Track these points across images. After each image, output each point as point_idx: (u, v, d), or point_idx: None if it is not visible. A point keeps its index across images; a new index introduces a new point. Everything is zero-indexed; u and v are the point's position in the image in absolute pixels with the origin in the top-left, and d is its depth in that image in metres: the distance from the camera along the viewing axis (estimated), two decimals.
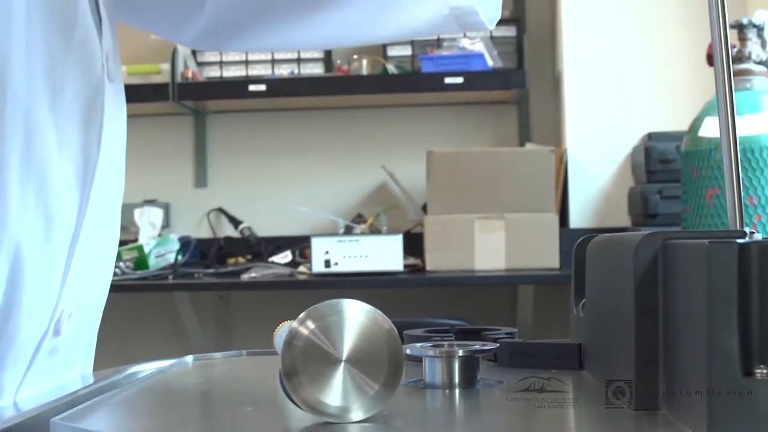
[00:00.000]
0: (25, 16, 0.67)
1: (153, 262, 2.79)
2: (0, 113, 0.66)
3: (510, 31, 3.05)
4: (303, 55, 3.09)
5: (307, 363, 0.52)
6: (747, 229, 0.57)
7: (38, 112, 0.69)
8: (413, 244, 2.80)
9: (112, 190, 0.80)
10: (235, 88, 2.98)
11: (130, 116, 0.88)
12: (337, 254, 2.67)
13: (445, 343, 0.68)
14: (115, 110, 0.79)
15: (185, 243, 2.89)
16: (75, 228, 0.73)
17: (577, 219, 2.91)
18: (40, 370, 0.72)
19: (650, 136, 2.70)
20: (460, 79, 2.86)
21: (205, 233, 3.16)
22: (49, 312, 0.72)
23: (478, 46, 2.92)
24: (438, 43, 3.03)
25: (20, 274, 0.68)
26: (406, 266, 2.72)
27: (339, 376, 0.53)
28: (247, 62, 3.06)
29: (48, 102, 0.70)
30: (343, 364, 0.53)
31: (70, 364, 0.77)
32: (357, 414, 0.53)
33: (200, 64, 3.06)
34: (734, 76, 1.77)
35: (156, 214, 2.97)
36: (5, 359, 0.69)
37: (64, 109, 0.71)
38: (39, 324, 0.71)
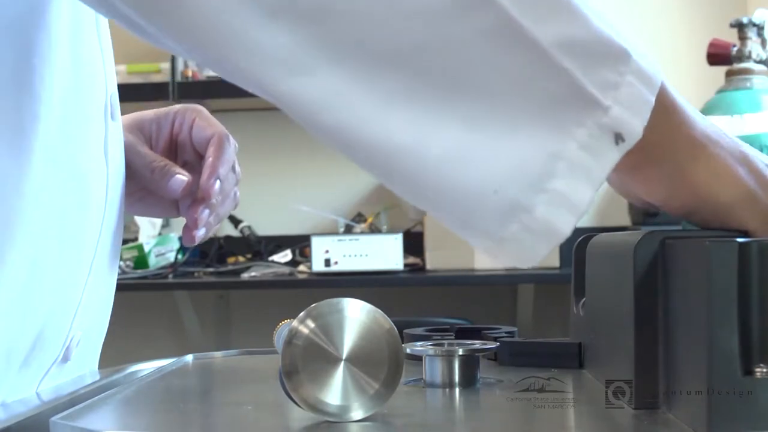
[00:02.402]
0: None
1: (153, 261, 2.79)
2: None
3: None
4: None
5: (307, 362, 0.52)
6: None
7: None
8: (413, 243, 2.80)
9: (119, 221, 0.80)
10: (236, 87, 2.93)
11: None
12: (337, 253, 2.67)
13: (445, 342, 0.68)
14: (118, 150, 0.78)
15: None
16: (91, 261, 0.74)
17: None
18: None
19: None
20: None
21: None
22: (62, 339, 0.72)
23: None
24: None
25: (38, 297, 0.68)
26: (406, 265, 2.72)
27: (339, 375, 0.53)
28: None
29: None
30: (343, 363, 0.53)
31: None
32: (357, 413, 0.53)
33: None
34: (734, 75, 1.78)
35: None
36: (17, 386, 0.68)
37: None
38: (52, 351, 0.71)
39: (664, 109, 0.53)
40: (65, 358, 0.73)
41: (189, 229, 0.83)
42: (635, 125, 0.50)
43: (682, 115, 0.55)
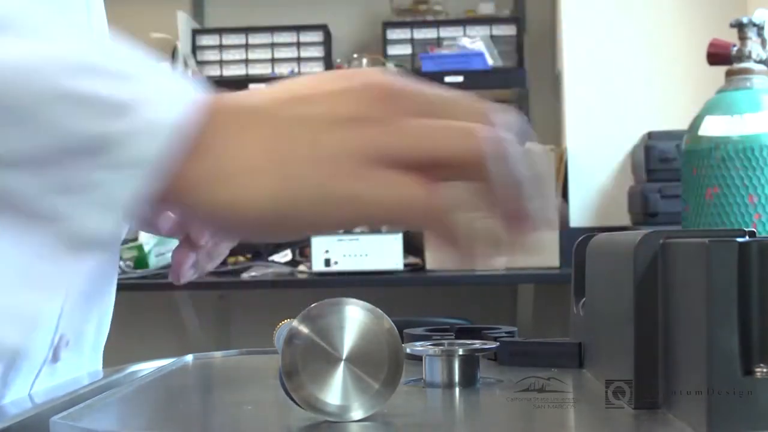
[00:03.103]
0: None
1: (153, 261, 2.79)
2: None
3: (510, 30, 3.05)
4: (303, 54, 3.09)
5: (307, 362, 0.52)
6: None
7: None
8: (413, 243, 2.80)
9: None
10: (235, 87, 2.96)
11: None
12: (337, 253, 2.66)
13: (445, 341, 0.68)
14: None
15: None
16: None
17: (577, 218, 2.90)
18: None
19: (650, 135, 2.70)
20: (460, 78, 2.86)
21: None
22: (49, 339, 0.72)
23: (478, 45, 2.92)
24: (438, 42, 3.02)
25: None
26: (406, 265, 2.72)
27: (339, 374, 0.53)
28: (247, 61, 3.06)
29: None
30: (343, 362, 0.53)
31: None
32: (357, 413, 0.53)
33: (200, 63, 3.06)
34: (734, 75, 1.78)
35: None
36: (10, 384, 0.68)
37: None
38: (40, 351, 0.71)
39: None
40: (55, 359, 0.72)
41: (174, 270, 0.78)
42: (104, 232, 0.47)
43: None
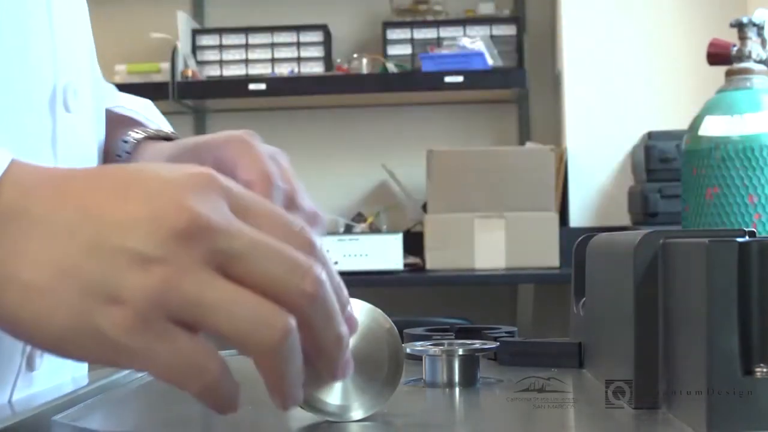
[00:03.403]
0: None
1: None
2: None
3: (510, 30, 3.05)
4: (303, 54, 3.09)
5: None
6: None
7: None
8: (413, 243, 2.80)
9: None
10: (235, 87, 2.98)
11: None
12: (337, 253, 2.66)
13: (446, 341, 0.68)
14: (79, 145, 0.71)
15: None
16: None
17: (577, 218, 2.91)
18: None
19: (650, 135, 2.70)
20: (460, 78, 2.86)
21: None
22: (18, 345, 0.66)
23: (478, 45, 2.92)
24: (438, 42, 3.03)
25: None
26: (406, 265, 2.72)
27: None
28: (247, 61, 3.06)
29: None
30: None
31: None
32: (357, 413, 0.53)
33: (200, 63, 3.06)
34: (734, 75, 1.78)
35: None
36: None
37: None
38: (11, 359, 0.66)
39: None
40: (30, 367, 0.67)
41: None
42: None
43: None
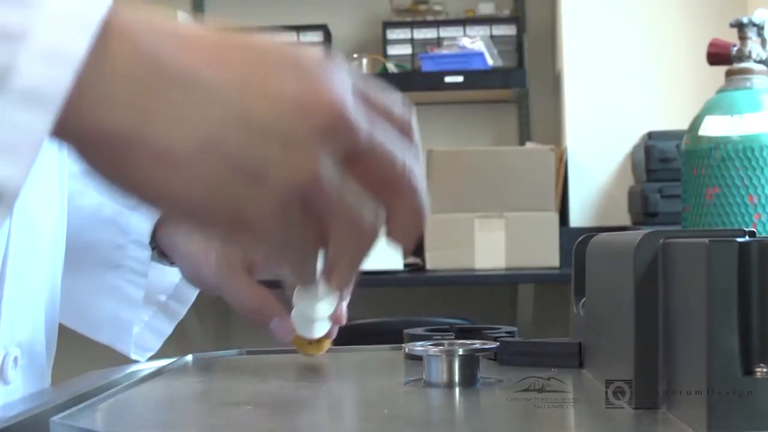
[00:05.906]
0: None
1: None
2: None
3: (510, 30, 3.05)
4: None
5: None
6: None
7: None
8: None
9: (42, 222, 0.71)
10: None
11: None
12: None
13: (446, 341, 0.68)
14: None
15: None
16: (1, 266, 0.65)
17: (577, 218, 2.91)
18: None
19: (650, 135, 2.70)
20: (460, 78, 2.86)
21: None
22: None
23: (478, 45, 2.92)
24: (438, 42, 3.03)
25: None
26: (405, 265, 2.72)
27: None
28: None
29: None
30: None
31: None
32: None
33: None
34: (734, 75, 1.78)
35: None
36: None
37: None
38: None
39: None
40: (4, 381, 0.66)
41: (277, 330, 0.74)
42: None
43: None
